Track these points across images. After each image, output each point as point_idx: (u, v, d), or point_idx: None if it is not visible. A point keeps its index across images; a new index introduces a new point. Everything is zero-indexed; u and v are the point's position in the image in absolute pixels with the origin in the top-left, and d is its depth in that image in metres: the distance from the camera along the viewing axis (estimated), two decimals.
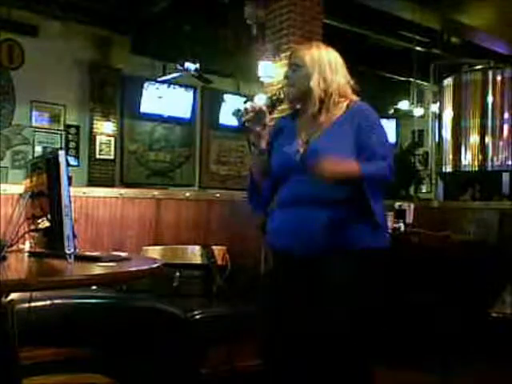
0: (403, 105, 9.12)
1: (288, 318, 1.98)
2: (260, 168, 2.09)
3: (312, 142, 1.96)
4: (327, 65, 2.00)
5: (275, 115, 2.22)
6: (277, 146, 2.06)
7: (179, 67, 7.71)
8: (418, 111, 9.22)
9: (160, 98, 8.69)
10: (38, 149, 7.64)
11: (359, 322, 1.92)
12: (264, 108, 2.02)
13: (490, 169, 6.90)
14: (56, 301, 2.58)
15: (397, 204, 4.36)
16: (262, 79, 5.56)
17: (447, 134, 7.29)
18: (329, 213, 1.88)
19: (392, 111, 9.89)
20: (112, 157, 8.35)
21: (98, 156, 8.18)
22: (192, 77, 8.00)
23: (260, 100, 2.26)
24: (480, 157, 6.93)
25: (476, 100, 6.87)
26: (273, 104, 2.08)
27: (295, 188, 1.97)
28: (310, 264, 1.92)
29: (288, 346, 1.98)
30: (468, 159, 7.07)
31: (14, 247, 1.77)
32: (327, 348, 1.89)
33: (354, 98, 2.04)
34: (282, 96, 2.09)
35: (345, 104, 2.00)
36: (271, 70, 5.41)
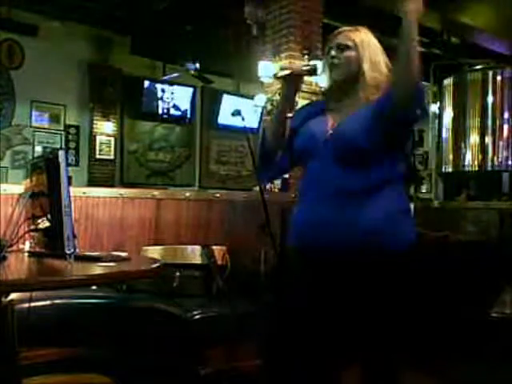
0: None
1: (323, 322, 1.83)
2: (275, 128, 1.92)
3: (341, 124, 1.82)
4: (377, 50, 1.86)
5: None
6: (304, 128, 1.91)
7: (179, 67, 7.71)
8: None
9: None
10: (38, 149, 7.64)
11: (395, 326, 1.86)
12: (303, 69, 1.90)
13: (489, 169, 6.92)
14: (56, 301, 2.59)
15: None
16: (261, 79, 5.56)
17: (447, 134, 7.31)
18: (354, 207, 1.71)
19: None
20: (112, 157, 8.35)
21: (97, 156, 8.18)
22: (192, 77, 8.01)
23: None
24: (480, 157, 6.94)
25: (476, 100, 6.88)
26: (312, 71, 1.95)
27: (319, 175, 1.81)
28: (333, 265, 1.77)
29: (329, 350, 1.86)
30: (468, 159, 7.08)
31: (14, 247, 1.77)
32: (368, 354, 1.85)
33: None
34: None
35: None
36: (271, 70, 5.41)
